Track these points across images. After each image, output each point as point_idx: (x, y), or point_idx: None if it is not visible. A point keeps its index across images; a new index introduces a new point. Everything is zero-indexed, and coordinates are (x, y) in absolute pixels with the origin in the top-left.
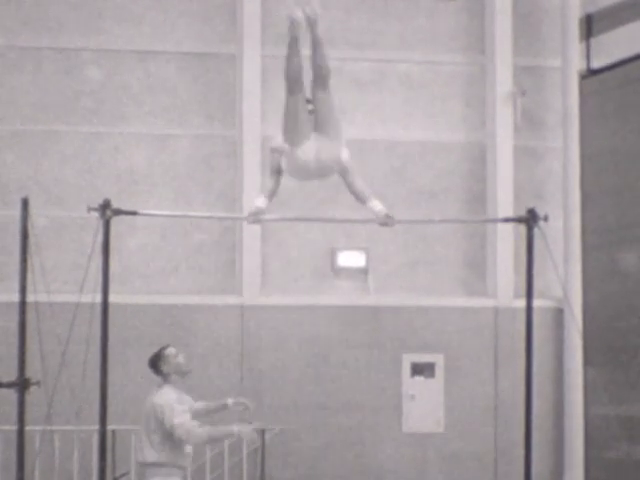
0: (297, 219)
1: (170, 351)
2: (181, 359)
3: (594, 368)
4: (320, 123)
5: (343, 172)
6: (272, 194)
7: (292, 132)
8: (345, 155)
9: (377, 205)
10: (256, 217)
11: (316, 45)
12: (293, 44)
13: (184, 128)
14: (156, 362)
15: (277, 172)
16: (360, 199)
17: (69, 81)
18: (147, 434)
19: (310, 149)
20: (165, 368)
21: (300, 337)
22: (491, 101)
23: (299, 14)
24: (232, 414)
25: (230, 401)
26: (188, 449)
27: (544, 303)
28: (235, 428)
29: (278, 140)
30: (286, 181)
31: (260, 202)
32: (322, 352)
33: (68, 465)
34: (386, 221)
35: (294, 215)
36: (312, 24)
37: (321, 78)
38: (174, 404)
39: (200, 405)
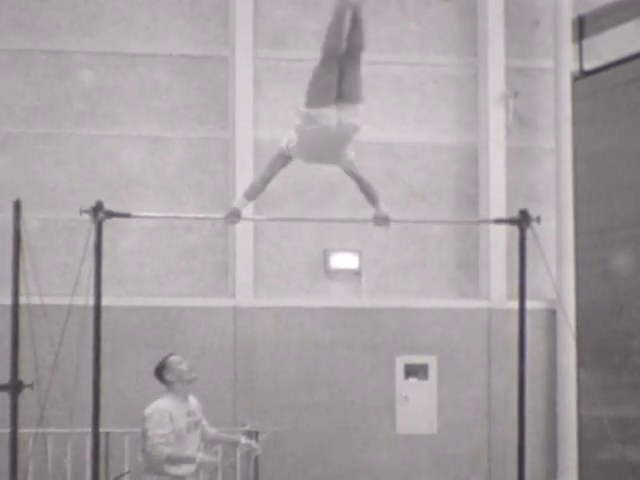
0: (288, 219)
1: (174, 359)
2: (185, 367)
3: (587, 369)
4: (345, 92)
5: (349, 166)
6: (256, 196)
7: (319, 95)
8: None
9: (383, 207)
10: (232, 219)
11: (356, 24)
12: (339, 20)
13: (177, 131)
14: (160, 370)
15: (271, 176)
16: (371, 195)
17: (61, 84)
18: (141, 439)
19: (333, 113)
20: (169, 376)
21: (293, 339)
22: (483, 103)
23: None
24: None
25: (243, 440)
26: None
27: (537, 304)
28: (198, 457)
29: (286, 142)
30: (278, 183)
31: (237, 204)
32: (315, 354)
33: (61, 468)
34: (382, 223)
35: (286, 217)
36: (356, 6)
37: (356, 52)
38: (164, 415)
39: (212, 431)
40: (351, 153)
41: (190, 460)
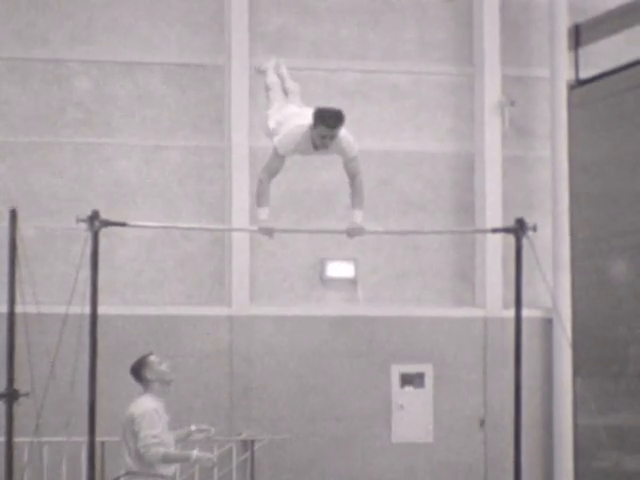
0: (285, 230)
1: (154, 358)
2: (165, 367)
3: (583, 378)
4: None
5: (350, 162)
6: (267, 199)
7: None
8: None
9: (359, 217)
10: (268, 230)
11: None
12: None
13: (173, 139)
14: (139, 369)
15: (274, 174)
16: (356, 199)
17: (57, 92)
18: (125, 443)
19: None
20: (149, 375)
21: (289, 348)
22: (479, 111)
23: None
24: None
25: (193, 427)
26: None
27: (533, 313)
28: (194, 454)
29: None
30: (275, 192)
31: (263, 214)
32: (311, 362)
33: (57, 477)
34: (354, 233)
35: (283, 226)
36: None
37: None
38: (154, 415)
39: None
40: (355, 148)
41: (186, 458)
